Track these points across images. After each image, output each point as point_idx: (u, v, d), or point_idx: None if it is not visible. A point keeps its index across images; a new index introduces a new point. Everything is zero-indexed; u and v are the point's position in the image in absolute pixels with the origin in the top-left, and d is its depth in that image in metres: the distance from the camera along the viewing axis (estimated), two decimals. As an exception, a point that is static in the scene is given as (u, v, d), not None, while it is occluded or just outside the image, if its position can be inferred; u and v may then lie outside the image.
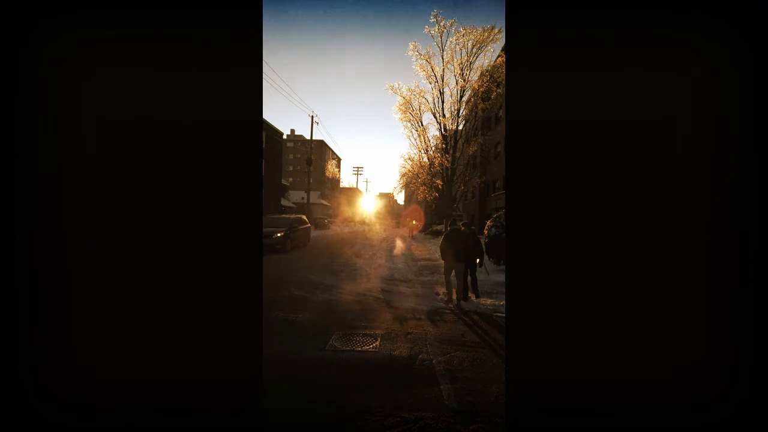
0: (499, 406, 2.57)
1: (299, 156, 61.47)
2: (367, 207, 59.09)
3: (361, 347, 3.76)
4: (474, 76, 19.69)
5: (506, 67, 1.51)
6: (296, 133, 66.90)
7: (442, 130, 21.09)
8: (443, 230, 20.85)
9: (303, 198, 40.33)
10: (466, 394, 2.76)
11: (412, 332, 4.26)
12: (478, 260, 6.04)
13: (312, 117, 27.37)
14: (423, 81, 26.44)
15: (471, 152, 21.80)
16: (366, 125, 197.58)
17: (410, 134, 21.80)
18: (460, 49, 19.49)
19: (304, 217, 15.86)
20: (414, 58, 20.04)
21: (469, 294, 5.95)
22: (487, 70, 19.18)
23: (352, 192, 62.21)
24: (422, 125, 21.44)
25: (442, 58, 19.91)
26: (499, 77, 18.97)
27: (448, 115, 20.73)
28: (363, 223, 48.91)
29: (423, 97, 20.80)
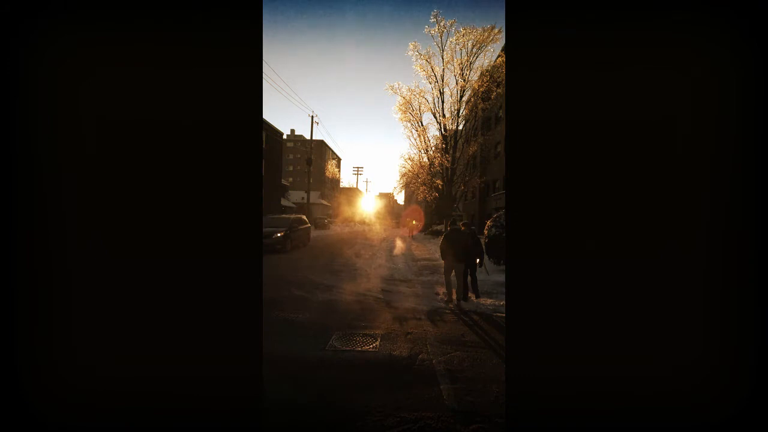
0: (499, 406, 2.56)
1: (299, 156, 61.48)
2: (367, 207, 59.16)
3: (361, 347, 3.76)
4: (474, 76, 19.71)
5: (506, 67, 1.51)
6: (296, 133, 66.91)
7: (442, 130, 21.10)
8: (443, 230, 20.85)
9: (303, 198, 40.33)
10: (466, 394, 2.76)
11: (412, 332, 4.26)
12: (478, 260, 6.04)
13: (312, 117, 27.40)
14: (423, 81, 26.50)
15: (471, 152, 21.80)
16: (366, 125, 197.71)
17: (410, 134, 21.85)
18: (460, 49, 19.53)
19: (304, 217, 15.86)
20: (414, 58, 20.09)
21: (469, 294, 5.95)
22: (487, 70, 19.19)
23: (352, 192, 62.20)
24: (422, 125, 21.47)
25: (442, 58, 19.95)
26: (499, 77, 18.97)
27: (448, 115, 20.76)
28: (363, 223, 48.89)
29: (423, 97, 20.84)
